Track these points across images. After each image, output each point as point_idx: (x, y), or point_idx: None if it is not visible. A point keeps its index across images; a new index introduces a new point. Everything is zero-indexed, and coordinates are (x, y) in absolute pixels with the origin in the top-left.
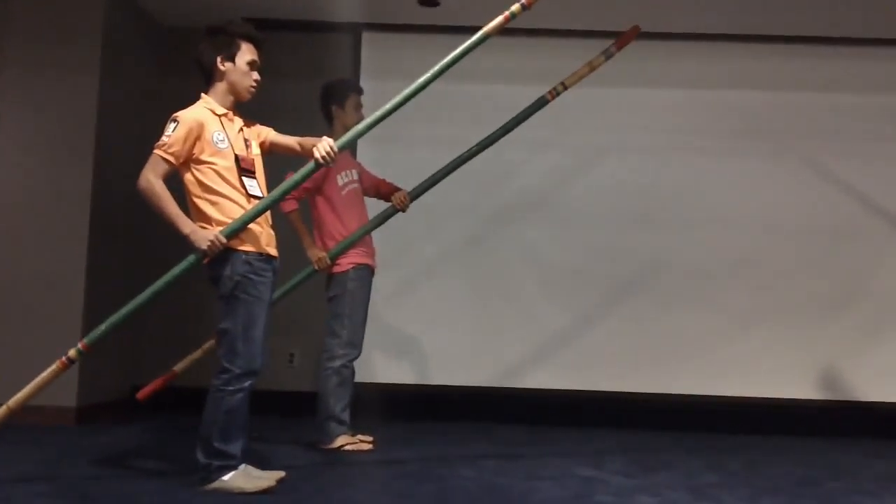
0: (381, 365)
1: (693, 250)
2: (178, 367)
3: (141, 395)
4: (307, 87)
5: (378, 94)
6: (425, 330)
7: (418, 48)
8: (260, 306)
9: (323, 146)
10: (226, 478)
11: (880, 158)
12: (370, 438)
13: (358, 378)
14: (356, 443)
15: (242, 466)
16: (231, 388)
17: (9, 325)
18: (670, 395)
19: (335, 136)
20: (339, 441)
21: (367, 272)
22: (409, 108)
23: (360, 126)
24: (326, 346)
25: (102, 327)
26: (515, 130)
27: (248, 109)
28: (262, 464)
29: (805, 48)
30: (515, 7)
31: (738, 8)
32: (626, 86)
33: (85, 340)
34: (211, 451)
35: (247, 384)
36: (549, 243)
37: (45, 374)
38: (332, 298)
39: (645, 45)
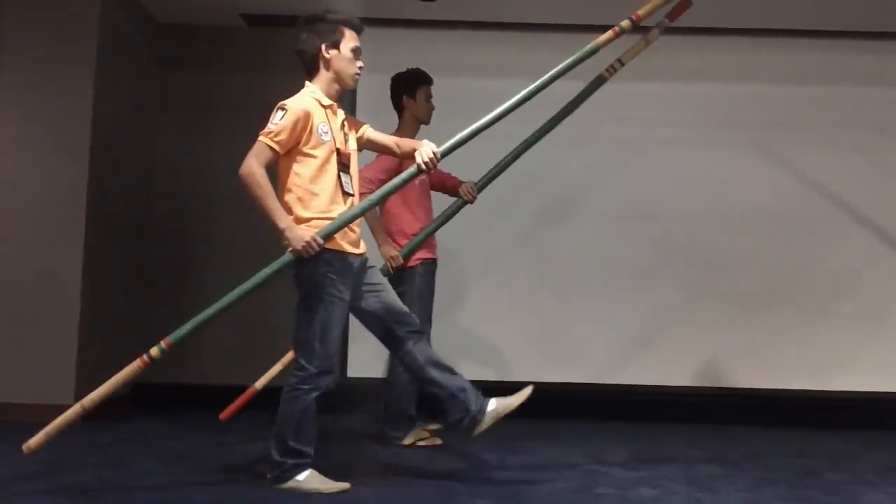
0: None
1: (692, 242)
2: (259, 384)
3: (224, 415)
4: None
5: (379, 90)
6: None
7: (419, 43)
8: (340, 306)
9: (426, 151)
10: (300, 478)
11: (879, 151)
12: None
13: (349, 374)
14: (426, 436)
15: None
16: (307, 386)
17: (6, 322)
18: (670, 386)
19: (405, 128)
20: (411, 438)
21: (432, 266)
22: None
23: (464, 133)
24: None
25: (187, 327)
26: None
27: (257, 105)
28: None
29: (782, 41)
30: (625, 22)
31: (717, 2)
32: (633, 80)
33: (169, 339)
34: (286, 450)
35: (323, 384)
36: (545, 236)
37: (124, 372)
38: (401, 294)
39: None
